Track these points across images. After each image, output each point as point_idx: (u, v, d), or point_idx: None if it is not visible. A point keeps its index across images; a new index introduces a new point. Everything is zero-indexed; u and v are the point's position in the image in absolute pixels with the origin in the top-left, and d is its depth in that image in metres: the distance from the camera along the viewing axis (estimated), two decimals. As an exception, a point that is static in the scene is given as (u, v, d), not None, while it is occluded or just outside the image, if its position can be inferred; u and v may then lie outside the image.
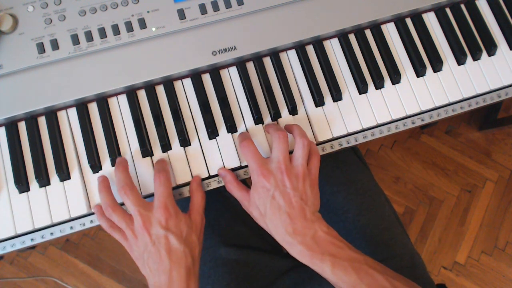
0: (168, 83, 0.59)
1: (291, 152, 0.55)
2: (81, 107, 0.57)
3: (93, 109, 0.58)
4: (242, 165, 0.57)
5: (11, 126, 0.57)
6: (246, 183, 0.91)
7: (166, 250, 0.49)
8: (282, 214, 0.50)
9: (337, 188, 0.70)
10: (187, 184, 0.57)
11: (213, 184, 0.57)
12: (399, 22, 0.63)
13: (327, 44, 0.62)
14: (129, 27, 0.58)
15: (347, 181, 0.70)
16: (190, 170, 0.56)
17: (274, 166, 0.51)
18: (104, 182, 0.54)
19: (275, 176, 0.50)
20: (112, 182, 0.55)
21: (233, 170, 0.57)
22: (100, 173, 0.56)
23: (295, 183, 0.51)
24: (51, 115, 0.57)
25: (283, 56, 0.61)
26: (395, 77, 0.60)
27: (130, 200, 0.50)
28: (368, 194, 0.70)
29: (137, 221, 0.50)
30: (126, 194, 0.50)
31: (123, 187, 0.51)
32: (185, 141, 0.57)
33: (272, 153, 0.53)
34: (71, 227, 0.55)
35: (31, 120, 0.57)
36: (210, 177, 0.57)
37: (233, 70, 0.60)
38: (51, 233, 0.55)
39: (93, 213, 0.55)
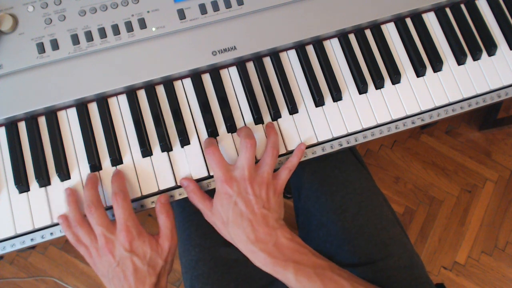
0: (168, 83, 0.59)
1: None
2: (81, 107, 0.57)
3: (93, 109, 0.58)
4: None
5: (11, 126, 0.57)
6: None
7: (132, 272, 0.49)
8: (244, 221, 0.49)
9: (335, 188, 0.70)
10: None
11: (213, 184, 0.57)
12: (399, 22, 0.63)
13: (327, 44, 0.62)
14: (129, 27, 0.58)
15: (345, 181, 0.70)
16: (190, 170, 0.56)
17: (238, 173, 0.51)
18: (72, 195, 0.53)
19: (238, 183, 0.50)
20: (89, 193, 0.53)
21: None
22: (100, 173, 0.56)
23: (257, 191, 0.51)
24: (51, 115, 0.57)
25: (283, 56, 0.61)
26: (395, 77, 0.60)
27: (95, 220, 0.50)
28: (366, 194, 0.70)
29: (101, 242, 0.50)
30: (91, 213, 0.50)
31: (89, 206, 0.50)
32: (185, 141, 0.57)
33: (237, 160, 0.52)
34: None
35: (31, 120, 0.57)
36: (210, 177, 0.57)
37: (233, 70, 0.60)
38: (51, 233, 0.55)
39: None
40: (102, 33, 0.57)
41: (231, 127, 0.58)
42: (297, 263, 0.48)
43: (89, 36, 0.57)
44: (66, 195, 0.54)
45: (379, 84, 0.60)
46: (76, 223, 0.51)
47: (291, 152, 0.58)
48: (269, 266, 0.49)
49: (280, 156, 0.58)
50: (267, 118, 0.59)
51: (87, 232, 0.51)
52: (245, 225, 0.50)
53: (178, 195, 0.57)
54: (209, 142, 0.55)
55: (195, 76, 0.59)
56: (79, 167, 0.56)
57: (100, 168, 0.56)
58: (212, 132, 0.57)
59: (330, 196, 0.70)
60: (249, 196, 0.50)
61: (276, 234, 0.50)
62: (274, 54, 0.60)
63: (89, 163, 0.55)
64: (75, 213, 0.52)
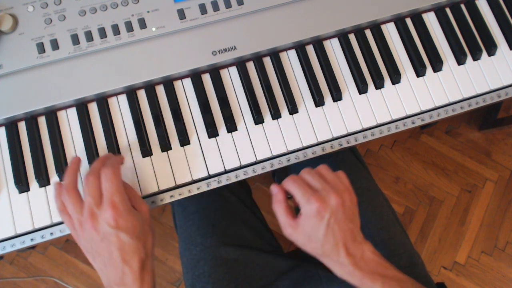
0: (168, 83, 0.59)
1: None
2: (81, 107, 0.57)
3: (93, 109, 0.58)
4: (243, 164, 0.57)
5: (11, 126, 0.57)
6: (247, 182, 0.92)
7: (117, 247, 0.47)
8: (336, 238, 0.50)
9: (336, 188, 0.70)
10: (188, 184, 0.57)
11: (213, 184, 0.57)
12: (399, 22, 0.63)
13: (327, 44, 0.62)
14: (129, 27, 0.58)
15: (346, 181, 0.70)
16: (190, 170, 0.56)
17: (326, 192, 0.50)
18: (75, 164, 0.52)
19: (330, 203, 0.50)
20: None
21: (232, 170, 0.57)
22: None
23: (346, 206, 0.51)
24: (51, 115, 0.57)
25: (283, 56, 0.61)
26: (395, 77, 0.60)
27: (88, 187, 0.48)
28: (366, 194, 0.70)
29: (86, 214, 0.48)
30: (88, 179, 0.48)
31: (89, 173, 0.49)
32: (185, 141, 0.57)
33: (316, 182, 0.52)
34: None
35: (31, 120, 0.57)
36: (210, 176, 0.57)
37: (233, 70, 0.60)
38: (51, 233, 0.55)
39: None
40: (102, 33, 0.57)
41: (231, 127, 0.58)
42: (383, 276, 0.49)
43: (89, 36, 0.57)
44: (70, 162, 0.52)
45: (379, 84, 0.60)
46: (66, 189, 0.49)
47: (291, 152, 0.58)
48: (357, 278, 0.50)
49: (278, 156, 0.58)
50: (267, 118, 0.59)
51: (75, 201, 0.49)
52: (337, 242, 0.50)
53: (178, 195, 0.57)
54: (275, 197, 0.54)
55: (195, 76, 0.59)
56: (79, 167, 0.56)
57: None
58: (212, 132, 0.57)
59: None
60: (340, 215, 0.50)
61: (362, 248, 0.51)
62: (274, 54, 0.60)
63: (89, 163, 0.55)
64: (69, 180, 0.50)
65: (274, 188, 0.54)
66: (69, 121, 0.58)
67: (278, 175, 1.38)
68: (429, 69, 0.61)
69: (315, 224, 0.50)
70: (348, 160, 0.75)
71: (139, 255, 0.48)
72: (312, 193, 0.51)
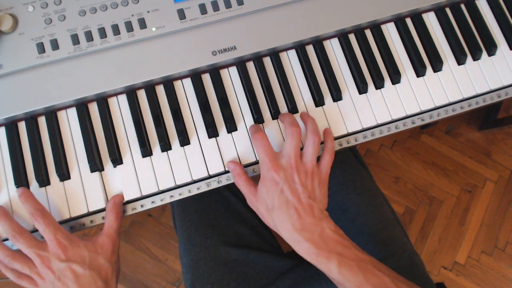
0: (168, 83, 0.59)
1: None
2: (81, 107, 0.57)
3: (93, 109, 0.58)
4: (243, 164, 0.57)
5: (11, 126, 0.57)
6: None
7: (73, 280, 0.48)
8: (290, 209, 0.49)
9: (336, 188, 0.70)
10: (188, 184, 0.57)
11: (213, 184, 0.57)
12: (399, 22, 0.63)
13: (327, 44, 0.62)
14: (129, 27, 0.58)
15: (345, 181, 0.70)
16: (190, 170, 0.56)
17: (285, 161, 0.51)
18: None
19: (285, 171, 0.50)
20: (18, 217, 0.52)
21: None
22: (100, 173, 0.56)
23: (304, 180, 0.51)
24: (51, 115, 0.57)
25: (283, 56, 0.61)
26: (395, 77, 0.60)
27: (23, 244, 0.49)
28: (366, 194, 0.70)
29: (37, 262, 0.49)
30: (17, 240, 0.49)
31: (13, 235, 0.49)
32: (185, 141, 0.57)
33: (283, 147, 0.52)
34: (71, 227, 0.55)
35: (31, 120, 0.57)
36: (210, 176, 0.57)
37: (233, 70, 0.60)
38: (51, 233, 0.55)
39: (95, 212, 0.55)
40: (102, 33, 0.57)
41: (231, 127, 0.58)
42: (340, 255, 0.48)
43: (89, 36, 0.57)
44: None
45: (379, 84, 0.60)
46: (9, 258, 0.50)
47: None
48: (312, 256, 0.49)
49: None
50: (267, 118, 0.59)
51: (23, 262, 0.50)
52: (291, 213, 0.49)
53: (178, 195, 0.57)
54: (257, 128, 0.55)
55: (195, 76, 0.59)
56: (79, 167, 0.56)
57: (102, 169, 0.56)
58: (212, 132, 0.57)
59: (330, 196, 0.70)
60: (296, 185, 0.50)
61: (322, 225, 0.50)
62: (274, 54, 0.60)
63: (89, 163, 0.55)
64: (3, 250, 0.51)
65: (231, 164, 0.55)
66: (69, 121, 0.58)
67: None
68: (429, 69, 0.61)
69: (270, 189, 0.50)
70: (348, 160, 0.75)
71: (96, 285, 0.49)
72: (273, 156, 0.51)
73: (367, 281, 0.47)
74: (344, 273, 0.47)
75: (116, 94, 0.59)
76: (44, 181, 0.55)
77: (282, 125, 0.58)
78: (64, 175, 0.55)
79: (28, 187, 0.55)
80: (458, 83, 0.61)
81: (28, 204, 0.52)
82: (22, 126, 0.57)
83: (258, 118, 0.58)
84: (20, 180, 0.54)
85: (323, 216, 0.51)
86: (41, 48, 0.56)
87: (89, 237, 0.53)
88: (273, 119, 0.59)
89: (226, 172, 0.57)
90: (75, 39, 0.57)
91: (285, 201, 0.50)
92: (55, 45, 0.57)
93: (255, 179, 0.55)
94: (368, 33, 0.63)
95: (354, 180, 0.71)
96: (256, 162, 0.58)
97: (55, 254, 0.49)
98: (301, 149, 0.55)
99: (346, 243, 0.50)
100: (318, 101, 0.59)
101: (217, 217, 0.73)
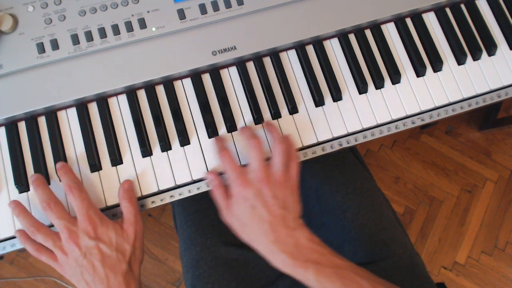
0: (168, 83, 0.59)
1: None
2: (81, 107, 0.57)
3: (93, 109, 0.58)
4: (243, 164, 0.57)
5: (11, 126, 0.57)
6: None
7: (99, 260, 0.48)
8: (263, 223, 0.49)
9: (335, 188, 0.70)
10: (187, 184, 0.57)
11: (213, 184, 0.57)
12: (399, 22, 0.63)
13: (327, 44, 0.62)
14: (129, 27, 0.58)
15: (345, 181, 0.70)
16: (190, 170, 0.56)
17: (253, 176, 0.51)
18: (18, 206, 0.51)
19: (254, 186, 0.50)
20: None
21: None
22: (100, 173, 0.56)
23: (274, 191, 0.50)
24: (51, 115, 0.57)
25: (283, 56, 0.61)
26: (395, 77, 0.60)
27: (55, 215, 0.49)
28: (366, 194, 0.70)
29: (64, 235, 0.49)
30: (50, 208, 0.49)
31: (47, 203, 0.49)
32: (185, 141, 0.57)
33: (249, 162, 0.52)
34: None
35: (31, 120, 0.57)
36: (210, 177, 0.57)
37: (233, 70, 0.60)
38: (51, 233, 0.55)
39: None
40: (102, 33, 0.57)
41: (231, 127, 0.58)
42: (317, 263, 0.48)
43: (89, 36, 0.57)
44: (12, 209, 0.52)
45: (379, 84, 0.60)
46: (33, 228, 0.50)
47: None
48: (289, 267, 0.48)
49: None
50: (267, 118, 0.59)
51: (48, 234, 0.50)
52: (264, 227, 0.49)
53: (178, 195, 0.57)
54: (221, 146, 0.55)
55: (195, 76, 0.59)
56: (79, 167, 0.56)
57: (100, 168, 0.56)
58: (212, 132, 0.57)
59: (330, 197, 0.70)
60: (266, 198, 0.50)
61: (296, 235, 0.49)
62: (274, 54, 0.60)
63: (89, 163, 0.55)
64: (28, 219, 0.50)
65: (209, 175, 0.55)
66: (69, 121, 0.58)
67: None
68: (429, 69, 0.61)
69: (241, 206, 0.50)
70: (348, 160, 0.75)
71: (120, 267, 0.49)
72: (240, 172, 0.51)
73: (346, 287, 0.47)
74: (322, 281, 0.47)
75: (116, 94, 0.59)
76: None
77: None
78: (64, 175, 0.55)
79: (28, 187, 0.55)
80: (458, 83, 0.61)
81: (67, 176, 0.52)
82: (22, 126, 0.57)
83: (258, 118, 0.58)
84: (20, 180, 0.54)
85: (297, 225, 0.50)
86: (41, 48, 0.56)
87: (116, 221, 0.52)
88: (273, 119, 0.59)
89: (226, 172, 0.57)
90: (75, 39, 0.57)
91: (257, 216, 0.49)
92: (55, 45, 0.57)
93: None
94: (368, 33, 0.63)
95: (354, 180, 0.71)
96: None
97: (85, 230, 0.49)
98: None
99: (322, 250, 0.49)
100: (318, 101, 0.59)
101: (218, 217, 0.72)
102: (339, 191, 0.70)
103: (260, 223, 0.49)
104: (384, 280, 0.50)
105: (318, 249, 0.49)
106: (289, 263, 0.48)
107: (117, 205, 0.56)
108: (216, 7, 0.59)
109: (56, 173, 0.54)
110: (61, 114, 0.58)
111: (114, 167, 0.56)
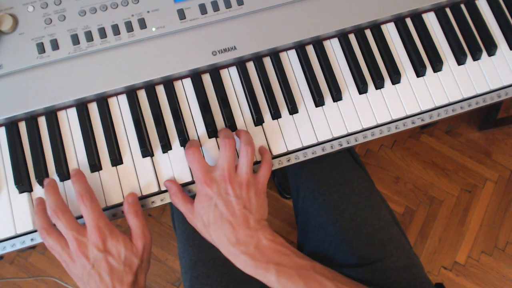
0: (168, 83, 0.59)
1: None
2: (81, 107, 0.57)
3: (93, 109, 0.58)
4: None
5: (11, 126, 0.57)
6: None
7: (107, 272, 0.48)
8: (224, 223, 0.49)
9: (333, 189, 0.70)
10: (187, 184, 0.57)
11: (213, 184, 0.57)
12: (399, 22, 0.63)
13: (327, 44, 0.62)
14: (129, 27, 0.58)
15: (343, 181, 0.70)
16: (190, 170, 0.56)
17: (218, 174, 0.50)
18: (41, 204, 0.52)
19: (218, 184, 0.50)
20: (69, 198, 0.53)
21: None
22: (100, 173, 0.56)
23: (238, 192, 0.50)
24: (51, 115, 0.57)
25: (283, 56, 0.61)
26: (395, 77, 0.60)
27: (62, 224, 0.49)
28: (364, 195, 0.70)
29: (72, 245, 0.49)
30: (58, 217, 0.49)
31: (55, 211, 0.49)
32: (185, 141, 0.57)
33: (218, 160, 0.52)
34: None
35: (31, 120, 0.57)
36: (210, 177, 0.57)
37: (233, 70, 0.60)
38: (51, 233, 0.55)
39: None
40: (102, 33, 0.57)
41: (231, 127, 0.58)
42: (279, 264, 0.47)
43: (89, 36, 0.57)
44: (35, 204, 0.52)
45: (379, 84, 0.60)
46: (44, 231, 0.50)
47: (291, 152, 0.58)
48: (250, 269, 0.48)
49: (278, 156, 0.58)
50: (267, 118, 0.59)
51: (57, 239, 0.50)
52: (225, 227, 0.49)
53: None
54: (191, 143, 0.55)
55: (195, 76, 0.59)
56: (79, 167, 0.56)
57: (100, 168, 0.56)
58: (212, 132, 0.57)
59: (327, 197, 0.70)
60: (230, 197, 0.50)
61: (258, 236, 0.49)
62: (274, 54, 0.60)
63: (89, 163, 0.56)
64: (41, 221, 0.50)
65: (167, 183, 0.55)
66: (69, 121, 0.58)
67: (277, 176, 1.38)
68: (429, 69, 0.61)
69: (204, 205, 0.50)
70: (345, 160, 0.75)
71: (127, 278, 0.49)
72: (206, 171, 0.51)
73: (308, 287, 0.46)
74: (283, 282, 0.47)
75: (116, 94, 0.59)
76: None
77: (269, 129, 0.58)
78: (64, 175, 0.55)
79: (30, 188, 0.55)
80: (458, 83, 0.61)
81: (79, 184, 0.51)
82: (22, 126, 0.57)
83: (258, 118, 0.58)
84: (21, 180, 0.54)
85: (260, 226, 0.50)
86: (41, 48, 0.57)
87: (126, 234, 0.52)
88: (273, 119, 0.59)
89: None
90: (75, 39, 0.57)
91: (219, 215, 0.49)
92: (55, 45, 0.57)
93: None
94: (368, 33, 0.63)
95: (352, 181, 0.71)
96: (256, 162, 0.58)
97: (94, 242, 0.49)
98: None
99: (285, 251, 0.49)
100: (318, 101, 0.59)
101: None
102: (336, 192, 0.70)
103: (221, 222, 0.49)
104: (350, 280, 0.50)
105: (280, 249, 0.49)
106: (250, 264, 0.48)
107: (117, 205, 0.56)
108: (216, 7, 0.59)
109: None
110: (61, 114, 0.58)
111: (114, 167, 0.56)
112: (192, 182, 0.57)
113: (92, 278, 0.49)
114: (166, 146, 0.57)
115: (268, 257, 0.48)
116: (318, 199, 0.70)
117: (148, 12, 0.58)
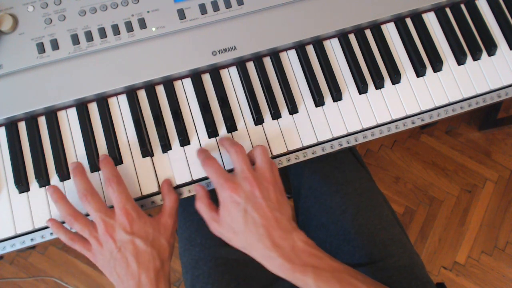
0: (168, 83, 0.59)
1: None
2: (81, 107, 0.57)
3: (93, 109, 0.58)
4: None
5: (11, 126, 0.57)
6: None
7: (133, 255, 0.48)
8: (258, 228, 0.47)
9: (335, 188, 0.70)
10: (188, 184, 0.57)
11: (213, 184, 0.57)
12: (399, 22, 0.63)
13: (327, 44, 0.62)
14: (129, 27, 0.58)
15: (344, 181, 0.70)
16: (190, 170, 0.56)
17: (240, 177, 0.49)
18: (57, 192, 0.52)
19: (243, 189, 0.48)
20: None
21: (232, 170, 0.57)
22: (99, 173, 0.56)
23: (265, 192, 0.49)
24: (51, 115, 0.57)
25: (283, 56, 0.61)
26: (395, 77, 0.60)
27: (92, 207, 0.49)
28: (366, 194, 0.70)
29: (100, 228, 0.49)
30: (87, 200, 0.49)
31: (84, 194, 0.49)
32: (185, 141, 0.57)
33: (235, 167, 0.51)
34: (72, 227, 0.55)
35: (31, 120, 0.57)
36: (210, 177, 0.57)
37: (233, 70, 0.60)
38: (51, 233, 0.55)
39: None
40: (102, 33, 0.57)
41: (231, 127, 0.58)
42: (315, 267, 0.47)
43: (89, 36, 0.57)
44: (50, 194, 0.52)
45: (379, 84, 0.60)
46: (71, 217, 0.49)
47: (291, 152, 0.58)
48: (287, 272, 0.47)
49: (278, 156, 0.58)
50: (267, 118, 0.59)
51: (85, 224, 0.49)
52: (260, 232, 0.47)
53: (178, 195, 0.57)
54: (204, 155, 0.54)
55: (195, 76, 0.59)
56: (79, 167, 0.56)
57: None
58: (212, 132, 0.57)
59: (329, 197, 0.70)
60: (258, 200, 0.48)
61: (292, 238, 0.48)
62: (274, 54, 0.60)
63: (89, 162, 0.55)
64: (67, 207, 0.50)
65: (197, 187, 0.54)
66: (69, 121, 0.58)
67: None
68: (429, 69, 0.61)
69: (232, 212, 0.48)
70: (347, 160, 0.75)
71: (154, 263, 0.49)
72: (228, 177, 0.49)
73: None
74: (320, 286, 0.46)
75: (116, 94, 0.59)
76: (44, 181, 0.55)
77: (269, 128, 0.58)
78: (64, 175, 0.55)
79: (28, 187, 0.55)
80: (458, 83, 0.61)
81: (107, 169, 0.52)
82: (22, 126, 0.57)
83: (258, 118, 0.58)
84: (20, 180, 0.54)
85: (292, 227, 0.49)
86: (41, 48, 0.57)
87: (153, 216, 0.52)
88: (273, 119, 0.59)
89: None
90: (75, 39, 0.57)
91: (251, 220, 0.48)
92: (55, 45, 0.57)
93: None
94: (368, 33, 0.63)
95: (353, 181, 0.71)
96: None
97: (122, 224, 0.48)
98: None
99: (319, 254, 0.48)
100: (318, 101, 0.59)
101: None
102: (338, 191, 0.70)
103: (254, 227, 0.47)
104: (379, 283, 0.50)
105: (315, 252, 0.48)
106: (287, 267, 0.47)
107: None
108: (216, 7, 0.59)
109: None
110: (61, 114, 0.58)
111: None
112: (193, 182, 0.57)
113: (118, 263, 0.48)
114: (166, 146, 0.57)
115: (305, 260, 0.47)
116: (320, 198, 0.70)
117: (148, 12, 0.58)
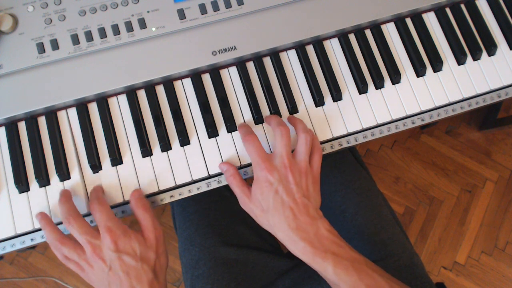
0: (168, 83, 0.59)
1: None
2: (81, 107, 0.57)
3: (93, 109, 0.58)
4: (242, 164, 0.57)
5: (11, 126, 0.57)
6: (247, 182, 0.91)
7: (124, 271, 0.48)
8: (285, 209, 0.49)
9: (335, 188, 0.70)
10: (188, 184, 0.57)
11: (213, 184, 0.57)
12: (399, 22, 0.63)
13: (327, 44, 0.62)
14: (129, 27, 0.58)
15: (344, 181, 0.70)
16: (190, 170, 0.56)
17: (278, 161, 0.51)
18: (45, 219, 0.52)
19: (278, 171, 0.50)
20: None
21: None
22: (100, 173, 0.56)
23: (298, 179, 0.51)
24: (51, 115, 0.57)
25: (283, 56, 0.61)
26: (395, 77, 0.60)
27: (76, 230, 0.49)
28: (365, 194, 0.70)
29: (88, 250, 0.49)
30: (71, 224, 0.49)
31: (67, 218, 0.49)
32: (185, 141, 0.57)
33: (275, 148, 0.52)
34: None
35: (31, 120, 0.57)
36: (210, 176, 0.57)
37: (233, 70, 0.60)
38: (51, 233, 0.55)
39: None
40: (102, 33, 0.57)
41: (231, 127, 0.58)
42: (335, 255, 0.48)
43: (89, 36, 0.57)
44: (38, 221, 0.52)
45: (379, 84, 0.60)
46: (57, 242, 0.50)
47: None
48: (308, 256, 0.49)
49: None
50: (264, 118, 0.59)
51: (72, 247, 0.50)
52: (286, 213, 0.49)
53: (178, 195, 0.57)
54: (247, 130, 0.55)
55: (195, 76, 0.59)
56: (80, 167, 0.56)
57: (100, 168, 0.56)
58: (212, 132, 0.57)
59: (329, 196, 0.70)
60: (290, 185, 0.50)
61: (317, 224, 0.50)
62: (274, 54, 0.60)
63: (89, 163, 0.55)
64: (52, 233, 0.51)
65: (223, 166, 0.55)
66: (69, 121, 0.58)
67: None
68: (429, 69, 0.61)
69: (264, 190, 0.50)
70: (347, 160, 0.75)
71: (146, 277, 0.49)
72: (265, 158, 0.51)
73: (362, 281, 0.47)
74: (339, 273, 0.47)
75: (116, 94, 0.59)
76: (44, 181, 0.55)
77: (269, 127, 0.58)
78: (64, 175, 0.55)
79: (28, 187, 0.55)
80: (458, 83, 0.61)
81: (92, 192, 0.53)
82: (22, 126, 0.57)
83: (258, 118, 0.58)
84: (20, 180, 0.54)
85: (318, 215, 0.51)
86: (41, 48, 0.57)
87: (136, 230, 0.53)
88: (273, 119, 0.59)
89: (226, 172, 0.57)
90: (75, 39, 0.57)
91: (280, 201, 0.50)
92: (55, 45, 0.57)
93: (248, 182, 0.55)
94: (368, 33, 0.63)
95: (353, 181, 0.71)
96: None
97: (107, 243, 0.49)
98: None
99: (340, 243, 0.50)
100: (318, 101, 0.59)
101: (217, 217, 0.73)
102: (338, 191, 0.70)
103: (282, 208, 0.49)
104: (398, 280, 0.51)
105: (337, 241, 0.50)
106: (309, 251, 0.48)
107: (117, 205, 0.56)
108: (216, 7, 0.59)
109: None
110: (61, 114, 0.58)
111: (114, 167, 0.56)
112: (193, 182, 0.57)
113: (112, 281, 0.49)
114: (166, 146, 0.57)
115: (326, 247, 0.49)
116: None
117: (148, 12, 0.58)
